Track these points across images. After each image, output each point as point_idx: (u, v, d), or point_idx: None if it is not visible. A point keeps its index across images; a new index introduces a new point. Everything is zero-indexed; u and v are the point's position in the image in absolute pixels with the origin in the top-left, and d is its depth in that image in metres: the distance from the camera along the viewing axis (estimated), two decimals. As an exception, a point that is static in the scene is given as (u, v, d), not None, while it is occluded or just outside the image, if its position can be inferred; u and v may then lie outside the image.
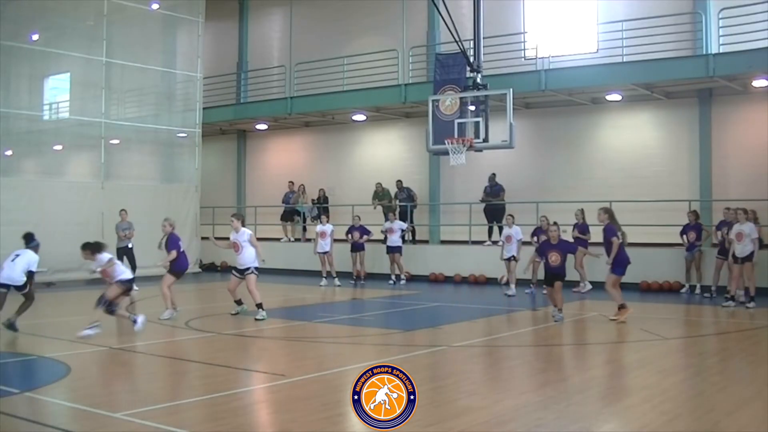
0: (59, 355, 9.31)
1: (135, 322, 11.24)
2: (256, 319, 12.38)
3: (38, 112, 22.83)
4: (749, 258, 14.05)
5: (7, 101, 20.08)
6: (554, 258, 12.37)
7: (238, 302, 13.14)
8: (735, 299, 14.42)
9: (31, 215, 19.10)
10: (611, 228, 12.62)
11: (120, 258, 18.53)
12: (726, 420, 6.60)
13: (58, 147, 22.31)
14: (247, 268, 12.69)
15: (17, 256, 11.73)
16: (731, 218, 15.07)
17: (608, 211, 13.01)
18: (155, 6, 23.41)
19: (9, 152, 20.74)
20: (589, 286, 17.22)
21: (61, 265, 19.54)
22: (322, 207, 22.83)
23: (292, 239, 23.83)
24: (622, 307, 12.41)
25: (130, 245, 18.54)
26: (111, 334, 11.70)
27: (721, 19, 17.50)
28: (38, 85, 22.65)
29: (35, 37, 21.42)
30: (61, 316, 14.31)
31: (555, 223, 13.35)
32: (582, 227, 17.19)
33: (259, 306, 12.57)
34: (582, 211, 17.49)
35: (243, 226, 12.92)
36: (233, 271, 13.10)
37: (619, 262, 12.60)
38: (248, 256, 12.68)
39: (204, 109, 23.84)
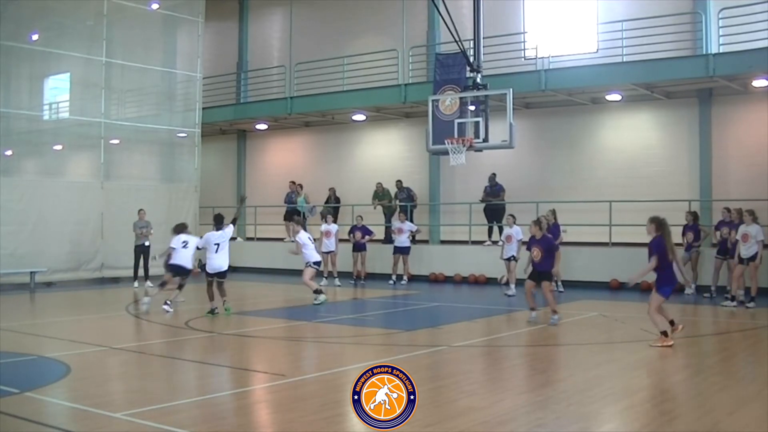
0: (59, 355, 9.31)
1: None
2: (314, 303, 14.61)
3: (38, 112, 22.85)
4: (753, 258, 14.12)
5: (7, 101, 20.10)
6: (535, 253, 12.19)
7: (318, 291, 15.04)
8: (735, 299, 14.43)
9: (31, 215, 19.17)
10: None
11: (137, 255, 18.90)
12: (726, 420, 6.60)
13: (58, 147, 22.33)
14: (306, 262, 15.08)
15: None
16: (733, 218, 15.09)
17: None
18: (155, 6, 23.41)
19: (9, 152, 20.75)
20: (561, 288, 17.22)
21: (61, 264, 19.58)
22: (331, 207, 22.78)
23: (291, 239, 23.79)
24: None
25: (147, 243, 19.06)
26: (112, 334, 11.71)
27: (721, 19, 17.50)
28: (38, 85, 22.67)
29: (35, 37, 21.43)
30: (61, 316, 14.32)
31: (538, 220, 13.08)
32: (553, 229, 17.05)
33: (317, 291, 14.88)
34: (553, 211, 17.36)
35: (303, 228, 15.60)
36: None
37: None
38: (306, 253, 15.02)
39: (204, 109, 23.82)
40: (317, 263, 15.31)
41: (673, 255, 10.31)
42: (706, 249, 17.14)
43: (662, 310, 10.39)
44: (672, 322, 10.29)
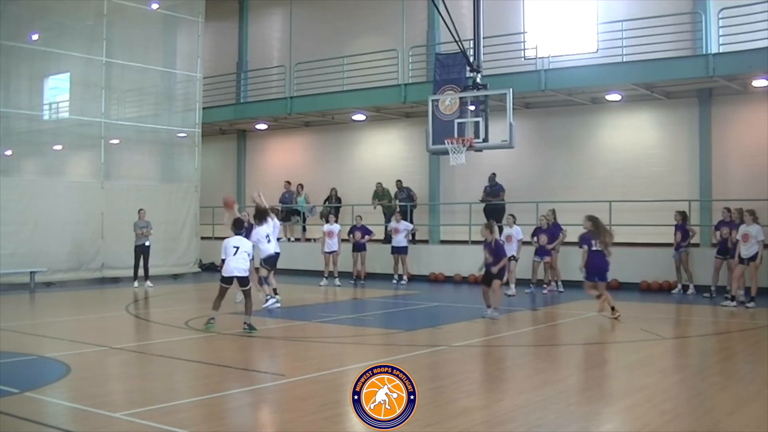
0: (59, 355, 9.31)
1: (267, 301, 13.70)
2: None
3: (38, 112, 22.85)
4: (754, 258, 14.11)
5: (7, 101, 20.09)
6: (486, 255, 12.83)
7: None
8: (735, 299, 14.43)
9: (31, 215, 19.17)
10: None
11: (137, 255, 18.93)
12: (726, 420, 6.60)
13: (58, 147, 22.32)
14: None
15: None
16: (734, 218, 15.08)
17: None
18: (155, 6, 23.41)
19: (9, 152, 20.75)
20: (561, 288, 17.25)
21: (61, 264, 19.59)
22: (333, 207, 22.79)
23: (291, 239, 23.81)
24: None
25: (147, 243, 19.09)
26: (112, 334, 11.72)
27: (721, 19, 17.50)
28: (38, 85, 22.67)
29: (35, 37, 21.42)
30: (61, 316, 14.32)
31: (485, 224, 13.53)
32: (553, 229, 16.98)
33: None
34: (553, 211, 17.30)
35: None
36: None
37: None
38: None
39: (204, 109, 23.82)
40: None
41: (604, 247, 12.69)
42: (705, 248, 17.15)
43: (596, 290, 12.83)
44: (613, 308, 12.63)
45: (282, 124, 25.41)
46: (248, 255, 11.46)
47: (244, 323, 11.20)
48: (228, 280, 11.35)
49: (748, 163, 17.92)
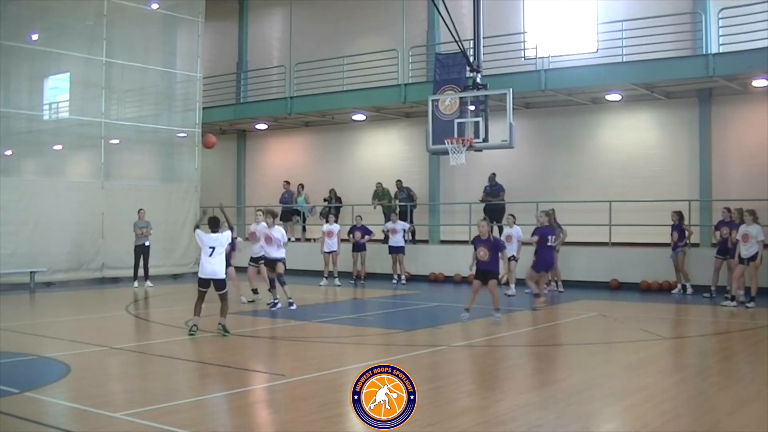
0: (59, 355, 9.31)
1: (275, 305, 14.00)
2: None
3: (38, 112, 22.84)
4: (754, 258, 14.11)
5: (7, 101, 20.08)
6: (482, 253, 12.17)
7: (255, 291, 15.14)
8: (735, 299, 14.43)
9: (31, 215, 19.17)
10: None
11: (137, 255, 18.95)
12: (726, 420, 6.61)
13: (58, 147, 22.32)
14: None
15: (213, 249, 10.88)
16: (734, 218, 15.08)
17: None
18: (155, 6, 23.41)
19: (9, 152, 20.75)
20: (561, 288, 17.24)
21: (61, 264, 19.59)
22: (333, 207, 22.78)
23: (291, 239, 23.80)
24: None
25: (147, 243, 19.12)
26: (112, 334, 11.72)
27: (721, 19, 17.50)
28: (38, 85, 22.66)
29: (35, 37, 21.41)
30: (61, 316, 14.32)
31: (485, 218, 13.07)
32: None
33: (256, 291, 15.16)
34: (552, 210, 17.13)
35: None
36: (256, 263, 14.97)
37: None
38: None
39: (204, 109, 23.81)
40: (258, 260, 14.93)
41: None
42: (706, 249, 17.14)
43: (537, 281, 14.06)
44: (538, 295, 14.00)
45: (282, 124, 25.41)
46: (224, 253, 11.07)
47: (219, 324, 10.88)
48: (205, 284, 10.97)
49: (748, 163, 17.93)
